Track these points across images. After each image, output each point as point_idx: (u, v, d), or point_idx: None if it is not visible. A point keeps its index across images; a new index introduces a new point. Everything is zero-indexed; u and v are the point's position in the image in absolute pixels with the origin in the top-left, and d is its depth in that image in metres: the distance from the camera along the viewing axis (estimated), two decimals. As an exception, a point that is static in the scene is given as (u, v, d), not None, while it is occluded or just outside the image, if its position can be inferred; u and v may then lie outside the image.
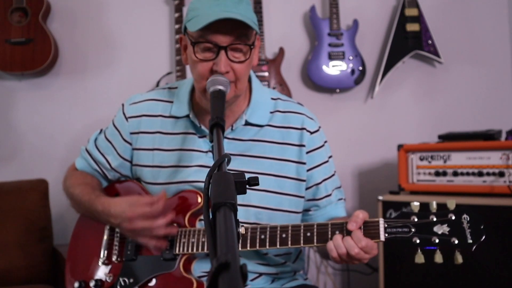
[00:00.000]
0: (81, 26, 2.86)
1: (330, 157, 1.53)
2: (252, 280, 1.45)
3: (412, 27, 2.75)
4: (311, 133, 1.47)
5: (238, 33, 1.27)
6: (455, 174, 2.16)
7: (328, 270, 2.87)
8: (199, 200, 1.39)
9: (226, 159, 0.89)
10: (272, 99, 1.50)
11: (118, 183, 1.58)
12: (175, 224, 1.39)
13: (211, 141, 1.02)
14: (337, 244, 1.21)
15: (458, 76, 2.86)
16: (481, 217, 1.17)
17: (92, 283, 1.44)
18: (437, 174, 2.21)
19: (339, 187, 1.55)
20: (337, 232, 1.23)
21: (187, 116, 1.45)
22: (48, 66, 2.72)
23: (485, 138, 2.17)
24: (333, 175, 1.53)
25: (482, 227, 1.16)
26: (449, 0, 2.87)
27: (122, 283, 1.41)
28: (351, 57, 2.76)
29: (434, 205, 1.19)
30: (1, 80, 2.83)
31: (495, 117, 2.74)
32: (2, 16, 2.67)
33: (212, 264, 0.60)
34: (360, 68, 2.77)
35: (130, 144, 1.52)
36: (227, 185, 0.78)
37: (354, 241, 1.19)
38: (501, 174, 2.06)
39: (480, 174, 2.11)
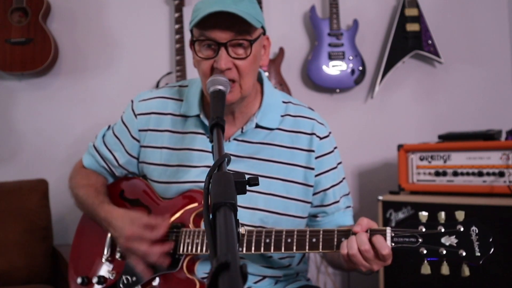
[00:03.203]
0: (81, 26, 2.86)
1: (339, 163, 1.51)
2: (255, 282, 1.44)
3: (412, 27, 2.75)
4: (321, 138, 1.45)
5: (237, 28, 1.26)
6: (455, 174, 2.16)
7: (328, 270, 2.87)
8: None
9: (226, 159, 0.89)
10: (284, 102, 1.48)
11: (124, 179, 1.58)
12: (180, 224, 1.38)
13: (211, 141, 1.02)
14: (350, 244, 1.17)
15: (458, 76, 2.86)
16: (490, 230, 1.14)
17: (94, 280, 1.44)
18: (437, 174, 2.20)
19: (347, 194, 1.54)
20: (343, 239, 1.21)
21: (197, 115, 1.44)
22: (48, 66, 2.72)
23: (485, 138, 2.17)
24: (341, 181, 1.51)
25: (490, 240, 1.14)
26: (449, 0, 2.87)
27: (125, 281, 1.40)
28: (351, 57, 2.76)
29: (442, 216, 1.17)
30: (1, 80, 2.83)
31: (495, 117, 2.74)
32: (2, 16, 2.67)
33: (212, 264, 0.60)
34: (360, 68, 2.77)
35: (138, 141, 1.51)
36: (227, 185, 0.78)
37: (359, 241, 1.17)
38: (501, 174, 2.06)
39: (480, 174, 2.11)
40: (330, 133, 1.49)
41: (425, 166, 2.25)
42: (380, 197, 2.25)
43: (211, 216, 0.74)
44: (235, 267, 0.58)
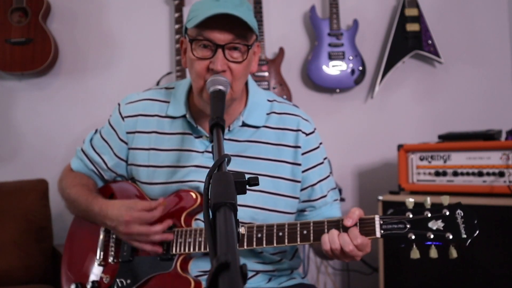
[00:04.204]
0: (81, 26, 2.86)
1: (325, 158, 1.53)
2: (249, 278, 1.45)
3: (412, 27, 2.75)
4: (307, 134, 1.47)
5: (236, 32, 1.27)
6: (455, 174, 2.16)
7: (328, 270, 2.87)
8: (195, 199, 1.39)
9: (226, 159, 0.89)
10: (268, 100, 1.50)
11: (113, 183, 1.58)
12: (174, 229, 1.39)
13: (211, 141, 1.02)
14: (332, 239, 1.23)
15: (458, 76, 2.86)
16: (475, 212, 1.19)
17: (89, 286, 1.44)
18: (437, 174, 2.21)
19: (334, 188, 1.56)
20: (332, 229, 1.24)
21: (184, 116, 1.46)
22: (48, 66, 2.72)
23: (485, 138, 2.17)
24: (328, 176, 1.53)
25: (475, 222, 1.18)
26: (449, 0, 2.87)
27: (120, 284, 1.40)
28: (351, 57, 2.77)
29: (428, 201, 1.22)
30: (1, 80, 2.83)
31: (495, 117, 2.74)
32: (2, 16, 2.67)
33: (212, 264, 0.60)
34: (360, 68, 2.77)
35: (126, 143, 1.52)
36: (227, 185, 0.79)
37: (350, 237, 1.21)
38: (501, 174, 2.06)
39: (480, 174, 2.11)
40: (315, 129, 1.52)
41: (425, 166, 2.25)
42: (380, 197, 2.25)
43: (211, 216, 0.74)
44: (235, 267, 0.58)
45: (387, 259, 2.23)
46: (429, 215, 1.20)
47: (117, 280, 1.41)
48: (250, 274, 1.45)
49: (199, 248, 1.33)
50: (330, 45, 2.76)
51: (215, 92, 1.23)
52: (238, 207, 1.36)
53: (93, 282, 1.44)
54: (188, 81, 1.49)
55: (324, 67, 2.77)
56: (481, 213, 2.00)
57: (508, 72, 2.84)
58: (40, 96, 2.84)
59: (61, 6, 2.84)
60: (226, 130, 1.43)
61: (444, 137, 2.32)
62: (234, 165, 1.39)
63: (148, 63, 2.86)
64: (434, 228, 1.19)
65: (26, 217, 2.33)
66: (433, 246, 1.18)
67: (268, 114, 1.47)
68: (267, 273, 1.48)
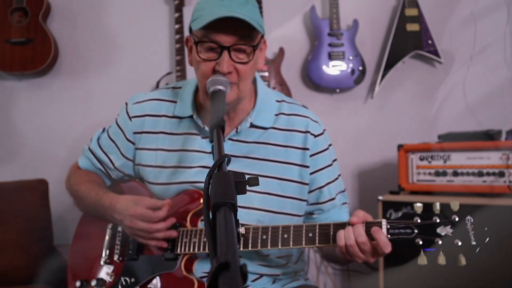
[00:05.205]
0: (81, 26, 2.86)
1: (334, 160, 1.51)
2: (253, 281, 1.44)
3: (412, 27, 2.75)
4: (315, 136, 1.46)
5: (241, 33, 1.26)
6: (455, 174, 2.16)
7: (328, 270, 2.87)
8: (201, 200, 1.39)
9: (226, 159, 0.89)
10: (277, 101, 1.49)
11: (122, 182, 1.59)
12: (177, 224, 1.39)
13: (211, 141, 1.02)
14: (347, 235, 1.20)
15: (458, 76, 2.86)
16: (485, 219, 1.16)
17: (93, 282, 1.44)
18: (437, 174, 2.20)
19: (343, 191, 1.54)
20: (340, 230, 1.23)
21: (191, 116, 1.45)
22: (48, 66, 2.72)
23: (485, 138, 2.17)
24: (336, 178, 1.51)
25: (486, 229, 1.15)
26: (449, 0, 2.87)
27: (124, 283, 1.41)
28: (351, 57, 2.76)
29: (437, 206, 1.18)
30: (1, 80, 2.83)
31: (495, 117, 2.74)
32: (2, 16, 2.67)
33: (212, 264, 0.60)
34: (360, 68, 2.77)
35: (133, 143, 1.52)
36: (227, 185, 0.78)
37: (355, 234, 1.19)
38: (501, 174, 2.06)
39: (480, 174, 2.11)
40: (324, 130, 1.50)
41: (425, 166, 2.25)
42: (380, 197, 2.25)
43: (211, 216, 0.74)
44: (235, 267, 0.58)
45: (387, 259, 2.23)
46: (438, 220, 1.17)
47: (122, 278, 1.42)
48: (254, 276, 1.44)
49: (204, 249, 1.33)
50: (330, 45, 2.76)
51: (215, 92, 1.23)
52: (245, 209, 1.37)
53: (98, 279, 1.44)
54: (194, 81, 1.48)
55: (324, 67, 2.76)
56: (481, 213, 2.01)
57: (508, 72, 2.84)
58: (40, 96, 2.84)
59: (61, 6, 2.84)
60: (234, 131, 1.42)
61: (444, 137, 2.32)
62: (242, 167, 1.38)
63: (148, 63, 2.86)
64: (443, 234, 1.16)
65: (26, 217, 2.33)
66: (441, 252, 1.15)
67: (276, 115, 1.46)
68: (272, 277, 1.47)
